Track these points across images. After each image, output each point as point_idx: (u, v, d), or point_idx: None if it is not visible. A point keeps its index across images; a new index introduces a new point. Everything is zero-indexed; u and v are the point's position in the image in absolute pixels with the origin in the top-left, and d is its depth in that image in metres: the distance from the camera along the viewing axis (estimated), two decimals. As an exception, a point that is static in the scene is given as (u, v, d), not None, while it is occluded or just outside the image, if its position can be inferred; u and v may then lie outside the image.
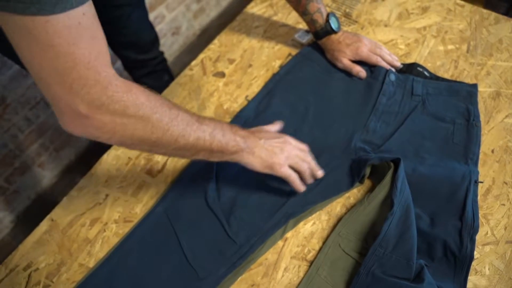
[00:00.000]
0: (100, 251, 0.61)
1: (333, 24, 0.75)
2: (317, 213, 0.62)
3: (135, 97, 0.45)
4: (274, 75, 0.79)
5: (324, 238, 0.60)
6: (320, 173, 0.61)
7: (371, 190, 0.62)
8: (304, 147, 0.61)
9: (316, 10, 0.75)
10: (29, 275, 0.61)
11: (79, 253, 0.62)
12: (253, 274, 0.58)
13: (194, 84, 0.80)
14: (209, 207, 0.62)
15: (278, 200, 0.62)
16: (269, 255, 0.59)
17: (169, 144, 0.48)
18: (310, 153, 0.62)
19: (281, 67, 0.80)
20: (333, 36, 0.75)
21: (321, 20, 0.75)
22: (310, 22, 0.76)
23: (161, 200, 0.64)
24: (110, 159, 0.71)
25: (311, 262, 0.58)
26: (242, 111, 0.74)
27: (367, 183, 0.64)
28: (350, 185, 0.63)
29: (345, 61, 0.75)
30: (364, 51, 0.74)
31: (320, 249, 0.58)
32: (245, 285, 0.57)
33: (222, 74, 0.82)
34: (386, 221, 0.56)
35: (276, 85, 0.77)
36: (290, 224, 0.61)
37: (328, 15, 0.75)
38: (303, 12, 0.76)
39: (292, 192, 0.62)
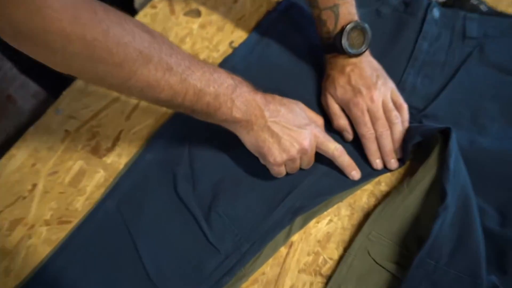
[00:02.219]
0: (24, 266, 0.46)
1: (346, 42, 0.48)
2: (335, 206, 0.47)
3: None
4: (270, 13, 0.61)
5: (346, 242, 0.45)
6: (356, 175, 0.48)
7: (411, 172, 0.47)
8: (337, 148, 0.46)
9: (330, 7, 0.49)
10: None
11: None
12: None
13: (157, 26, 0.62)
14: (180, 201, 0.47)
15: (279, 189, 0.47)
16: (268, 269, 0.44)
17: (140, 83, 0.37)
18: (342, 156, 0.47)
19: (280, 1, 0.62)
20: (342, 60, 0.50)
21: (331, 26, 0.50)
22: (318, 20, 0.51)
23: (112, 191, 0.48)
24: (41, 132, 0.54)
25: (329, 278, 0.43)
26: (225, 61, 0.57)
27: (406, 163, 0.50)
28: (385, 168, 0.48)
29: (330, 103, 0.51)
30: (359, 108, 0.48)
31: (341, 258, 0.44)
32: None
33: (196, 13, 0.64)
34: (436, 219, 0.41)
35: (273, 26, 0.60)
36: (297, 222, 0.46)
37: (347, 25, 0.48)
38: (310, 2, 0.52)
39: (300, 177, 0.48)
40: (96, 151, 0.52)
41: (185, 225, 0.45)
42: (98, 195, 0.49)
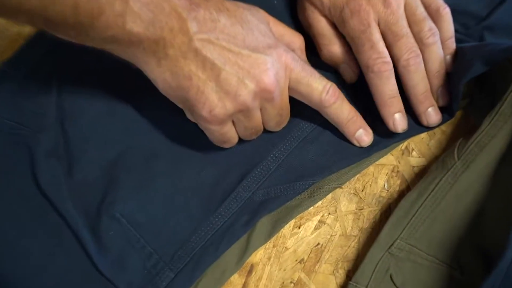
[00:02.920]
0: None
1: None
2: (330, 196, 0.27)
3: None
4: None
5: (351, 262, 0.26)
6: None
7: (465, 132, 0.28)
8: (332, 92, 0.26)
9: None
10: None
11: None
12: None
13: None
14: (43, 198, 0.26)
15: (226, 169, 0.27)
16: None
17: None
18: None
19: None
20: None
21: None
22: None
23: None
24: None
25: None
26: None
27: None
28: (413, 122, 0.28)
29: (312, 18, 0.30)
30: (363, 16, 0.28)
31: None
32: None
33: None
34: None
35: None
36: (260, 228, 0.26)
37: None
38: None
39: (263, 147, 0.28)
40: None
41: (50, 242, 0.25)
42: None
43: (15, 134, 0.28)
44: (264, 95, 0.25)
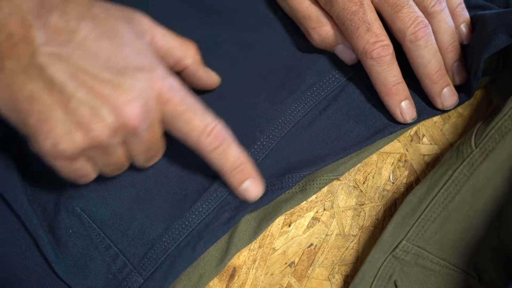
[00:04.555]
0: None
1: None
2: (325, 189, 0.25)
3: None
4: None
5: (350, 266, 0.24)
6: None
7: (484, 116, 0.26)
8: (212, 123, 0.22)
9: None
10: None
11: None
12: None
13: None
14: None
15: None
16: None
17: None
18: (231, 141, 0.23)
19: None
20: None
21: None
22: None
23: None
24: None
25: None
26: None
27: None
28: (424, 106, 0.26)
29: (300, 3, 0.27)
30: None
31: None
32: None
33: None
34: None
35: None
36: (244, 226, 0.24)
37: None
38: None
39: (251, 128, 0.25)
40: None
41: (2, 243, 0.23)
42: None
43: None
44: (126, 131, 0.21)
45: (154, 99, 0.21)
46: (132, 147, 0.22)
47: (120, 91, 0.20)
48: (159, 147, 0.23)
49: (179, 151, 0.26)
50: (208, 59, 0.25)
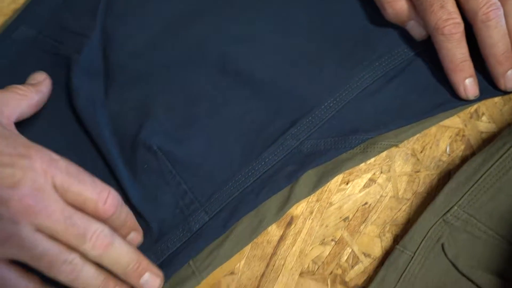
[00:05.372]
0: None
1: None
2: (384, 154, 0.27)
3: None
4: None
5: (400, 227, 0.26)
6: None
7: None
8: (95, 195, 0.23)
9: None
10: None
11: None
12: None
13: None
14: (77, 119, 0.27)
15: (276, 114, 0.27)
16: (242, 264, 0.26)
17: None
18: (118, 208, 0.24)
19: None
20: None
21: None
22: None
23: None
24: None
25: None
26: (18, 24, 0.31)
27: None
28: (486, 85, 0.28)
29: (398, 5, 0.29)
30: None
31: (387, 254, 0.26)
32: None
33: None
34: None
35: None
36: (304, 181, 0.27)
37: None
38: None
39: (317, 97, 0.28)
40: None
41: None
42: None
43: (54, 53, 0.29)
44: (28, 213, 0.22)
45: (41, 176, 0.22)
46: (47, 229, 0.22)
47: (5, 183, 0.21)
48: (82, 216, 0.23)
49: (252, 104, 0.28)
50: (290, 26, 0.28)
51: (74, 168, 0.24)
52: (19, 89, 0.27)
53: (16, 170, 0.22)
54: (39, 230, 0.22)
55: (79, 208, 0.23)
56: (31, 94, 0.27)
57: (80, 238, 0.23)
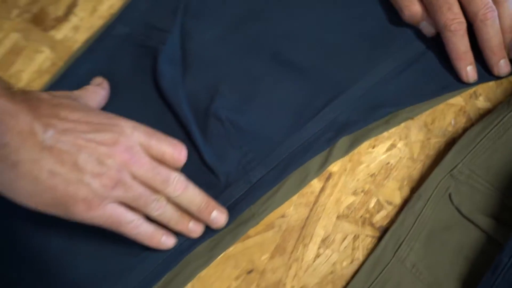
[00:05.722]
0: None
1: None
2: (402, 125, 0.34)
3: None
4: None
5: (415, 181, 0.32)
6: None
7: None
8: (172, 150, 0.30)
9: None
10: None
11: None
12: (252, 248, 0.31)
13: None
14: (161, 96, 0.34)
15: (318, 92, 0.34)
16: (291, 209, 0.32)
17: None
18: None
19: None
20: None
21: None
22: None
23: (60, 81, 0.34)
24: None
25: (384, 231, 0.31)
26: (117, 24, 0.37)
27: None
28: (483, 72, 0.34)
29: (414, 9, 0.35)
30: None
31: (405, 203, 0.31)
32: (234, 270, 0.31)
33: None
34: None
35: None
36: (340, 145, 0.33)
37: None
38: None
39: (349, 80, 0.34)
40: (40, 21, 0.38)
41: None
42: (39, 85, 0.36)
43: (144, 45, 0.36)
44: (125, 164, 0.27)
45: (130, 138, 0.28)
46: (142, 177, 0.28)
47: (106, 145, 0.27)
48: (163, 168, 0.28)
49: (298, 86, 0.34)
50: (328, 24, 0.35)
51: (152, 131, 0.30)
52: (91, 88, 0.34)
53: (113, 134, 0.28)
54: (135, 177, 0.28)
55: (160, 160, 0.29)
56: (100, 91, 0.34)
57: (164, 183, 0.29)
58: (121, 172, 0.28)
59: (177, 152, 0.30)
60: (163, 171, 0.29)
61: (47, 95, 0.29)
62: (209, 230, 0.31)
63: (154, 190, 0.29)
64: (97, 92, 0.33)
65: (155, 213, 0.29)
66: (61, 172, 0.26)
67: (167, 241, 0.30)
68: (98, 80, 0.34)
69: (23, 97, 0.27)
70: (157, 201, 0.29)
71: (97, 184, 0.27)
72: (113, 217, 0.28)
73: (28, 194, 0.26)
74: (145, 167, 0.28)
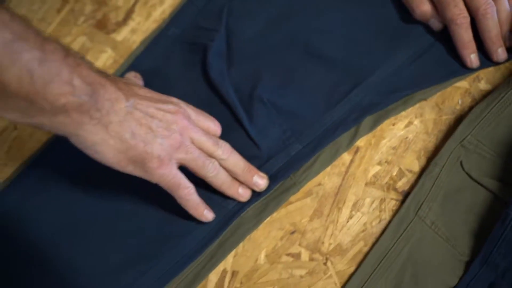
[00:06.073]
0: (7, 163, 0.38)
1: None
2: (417, 105, 0.38)
3: None
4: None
5: (430, 153, 0.37)
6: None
7: None
8: (214, 124, 0.36)
9: None
10: None
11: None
12: (294, 212, 0.35)
13: None
14: (211, 84, 0.39)
15: (344, 79, 0.38)
16: (326, 179, 0.36)
17: None
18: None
19: None
20: None
21: None
22: None
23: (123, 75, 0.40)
24: None
25: (406, 195, 0.35)
26: (170, 26, 0.43)
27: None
28: (484, 59, 0.39)
29: (424, 8, 0.39)
30: None
31: (423, 171, 0.36)
32: (279, 231, 0.35)
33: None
34: None
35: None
36: (365, 123, 0.37)
37: None
38: None
39: (371, 68, 0.39)
40: (103, 26, 0.43)
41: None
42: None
43: (194, 43, 0.40)
44: (186, 129, 0.33)
45: (187, 106, 0.34)
46: (195, 139, 0.33)
47: (171, 112, 0.32)
48: (210, 135, 0.34)
49: (327, 74, 0.39)
50: (352, 21, 0.40)
51: (197, 109, 0.35)
52: (131, 78, 0.39)
53: (172, 105, 0.33)
54: (192, 141, 0.33)
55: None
56: (138, 81, 0.39)
57: (215, 146, 0.34)
58: (183, 136, 0.33)
59: (217, 127, 0.36)
60: (213, 137, 0.34)
61: (118, 78, 0.33)
62: (255, 196, 0.35)
63: (207, 153, 0.33)
64: (137, 80, 0.39)
65: (210, 174, 0.33)
66: (140, 133, 0.31)
67: (208, 215, 0.34)
68: (133, 73, 0.39)
69: (105, 74, 0.31)
70: (212, 164, 0.33)
71: (166, 144, 0.32)
72: (176, 178, 0.32)
73: (116, 151, 0.31)
74: (200, 133, 0.34)
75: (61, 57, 0.28)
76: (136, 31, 0.43)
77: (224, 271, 0.34)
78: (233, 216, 0.35)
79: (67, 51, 0.28)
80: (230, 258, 0.35)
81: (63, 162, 0.38)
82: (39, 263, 0.35)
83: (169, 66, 0.40)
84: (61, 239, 0.36)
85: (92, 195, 0.37)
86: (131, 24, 0.43)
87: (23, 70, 0.26)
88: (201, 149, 0.33)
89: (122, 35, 0.43)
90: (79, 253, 0.35)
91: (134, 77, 0.39)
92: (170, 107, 0.33)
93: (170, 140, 0.32)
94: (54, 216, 0.36)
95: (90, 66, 0.30)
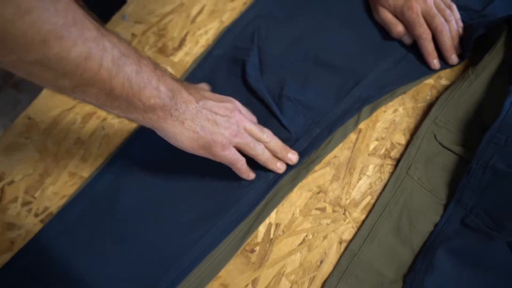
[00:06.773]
0: (99, 155, 0.48)
1: None
2: (400, 97, 0.49)
3: None
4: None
5: (412, 130, 0.47)
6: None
7: (475, 63, 0.49)
8: (254, 118, 0.45)
9: None
10: (2, 190, 0.48)
11: (68, 159, 0.49)
12: (318, 178, 0.45)
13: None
14: (250, 88, 0.49)
15: (347, 80, 0.49)
16: (339, 152, 0.46)
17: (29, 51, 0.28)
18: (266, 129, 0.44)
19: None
20: None
21: None
22: None
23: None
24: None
25: (398, 160, 0.45)
26: (215, 48, 0.53)
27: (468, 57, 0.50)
28: (443, 63, 0.50)
29: (383, 15, 0.52)
30: (414, 10, 0.49)
31: (408, 143, 0.46)
32: (308, 192, 0.45)
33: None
34: (508, 97, 0.42)
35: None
36: (365, 111, 0.47)
37: None
38: None
39: (366, 71, 0.49)
40: (163, 51, 0.53)
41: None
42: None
43: (235, 59, 0.50)
44: (240, 121, 0.42)
45: (241, 107, 0.43)
46: (247, 128, 0.42)
47: (229, 109, 0.41)
48: (257, 124, 0.43)
49: (333, 76, 0.49)
50: (350, 35, 0.51)
51: (256, 127, 0.43)
52: (202, 85, 0.48)
53: (230, 103, 0.42)
54: (245, 130, 0.42)
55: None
56: (206, 87, 0.48)
57: (261, 132, 0.43)
58: (239, 127, 0.41)
59: (255, 118, 0.45)
60: (259, 125, 0.43)
61: (189, 84, 0.42)
62: (289, 168, 0.45)
63: (255, 138, 0.42)
64: (205, 86, 0.48)
65: (259, 152, 0.42)
66: (208, 126, 0.39)
67: (252, 175, 0.44)
68: (205, 84, 0.49)
69: (181, 82, 0.40)
70: (260, 145, 0.42)
71: (227, 133, 0.40)
72: (235, 155, 0.41)
73: (190, 140, 0.39)
74: (250, 123, 0.43)
75: (151, 69, 0.36)
76: (189, 54, 0.52)
77: (270, 224, 0.43)
78: (273, 184, 0.44)
79: (155, 65, 0.37)
80: (273, 214, 0.44)
81: (139, 153, 0.47)
82: (131, 221, 0.44)
83: (215, 77, 0.50)
84: (145, 207, 0.44)
85: (164, 175, 0.46)
86: (184, 49, 0.53)
87: (125, 78, 0.33)
88: (251, 135, 0.42)
89: (178, 57, 0.52)
90: (158, 218, 0.44)
91: (205, 85, 0.48)
92: (228, 105, 0.41)
93: (229, 130, 0.40)
94: (137, 190, 0.45)
95: (171, 76, 0.39)
